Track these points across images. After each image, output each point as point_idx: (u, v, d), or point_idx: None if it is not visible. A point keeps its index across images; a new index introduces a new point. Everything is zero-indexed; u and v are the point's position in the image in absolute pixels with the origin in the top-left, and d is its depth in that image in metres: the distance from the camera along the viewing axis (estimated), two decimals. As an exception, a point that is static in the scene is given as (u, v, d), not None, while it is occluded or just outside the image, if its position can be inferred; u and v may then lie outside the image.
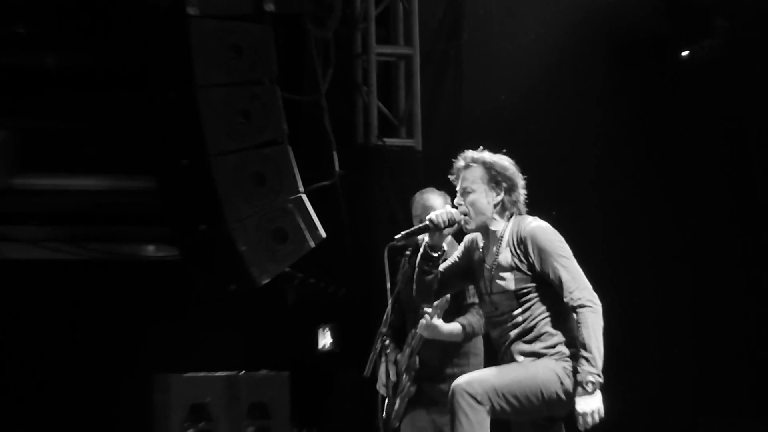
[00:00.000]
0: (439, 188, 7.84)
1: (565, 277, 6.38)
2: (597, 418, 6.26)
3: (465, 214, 6.55)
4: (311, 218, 9.90)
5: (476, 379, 6.55)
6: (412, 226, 7.43)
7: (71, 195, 12.17)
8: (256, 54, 9.99)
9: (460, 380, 6.50)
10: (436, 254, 6.71)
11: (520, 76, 11.49)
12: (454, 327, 7.51)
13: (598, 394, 6.29)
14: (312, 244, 9.93)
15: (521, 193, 6.62)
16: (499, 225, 6.64)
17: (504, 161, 6.60)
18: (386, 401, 8.03)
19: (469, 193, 6.56)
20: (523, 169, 6.70)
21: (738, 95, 12.20)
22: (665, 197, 11.13)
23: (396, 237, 6.91)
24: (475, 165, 6.57)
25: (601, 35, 11.80)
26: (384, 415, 8.05)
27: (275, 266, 9.98)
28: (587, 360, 6.29)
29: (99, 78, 12.14)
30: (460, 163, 6.65)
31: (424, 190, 7.98)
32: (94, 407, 11.79)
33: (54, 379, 12.51)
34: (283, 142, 9.94)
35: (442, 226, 6.55)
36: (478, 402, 6.31)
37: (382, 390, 8.07)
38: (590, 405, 6.26)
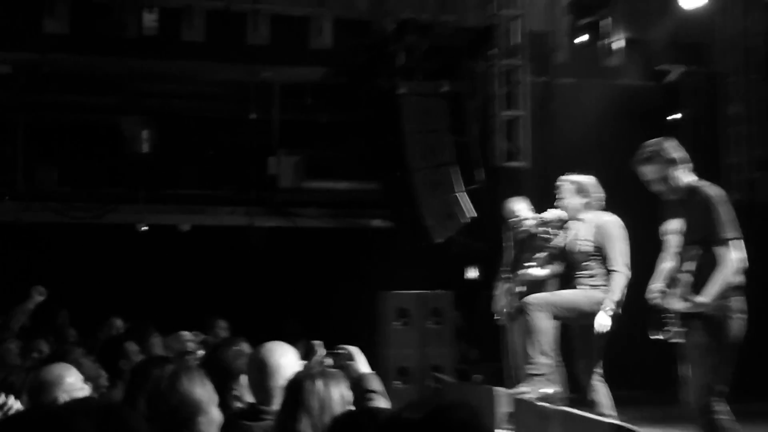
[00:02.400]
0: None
1: (613, 254, 8.12)
2: (605, 330, 7.94)
3: (564, 211, 8.42)
4: (466, 206, 12.12)
5: (539, 296, 8.39)
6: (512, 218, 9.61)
7: (334, 191, 14.95)
8: (436, 114, 12.38)
9: (530, 297, 8.41)
10: (548, 235, 8.70)
11: (584, 128, 13.39)
12: (545, 272, 9.04)
13: (609, 319, 7.94)
14: (466, 220, 12.19)
15: (596, 197, 8.35)
16: (583, 216, 8.38)
17: (588, 179, 8.44)
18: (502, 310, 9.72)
19: (563, 199, 8.45)
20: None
21: (701, 140, 13.42)
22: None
23: (512, 219, 9.46)
24: (565, 183, 8.45)
25: (629, 106, 13.86)
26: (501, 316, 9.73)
27: (446, 232, 12.26)
28: (611, 298, 8.00)
29: (349, 127, 14.68)
30: (560, 182, 8.49)
31: (510, 199, 9.95)
32: (349, 309, 13.61)
33: (331, 293, 14.82)
34: (452, 164, 12.23)
35: (550, 218, 8.61)
36: (540, 308, 8.15)
37: (499, 306, 9.88)
38: (605, 321, 7.95)
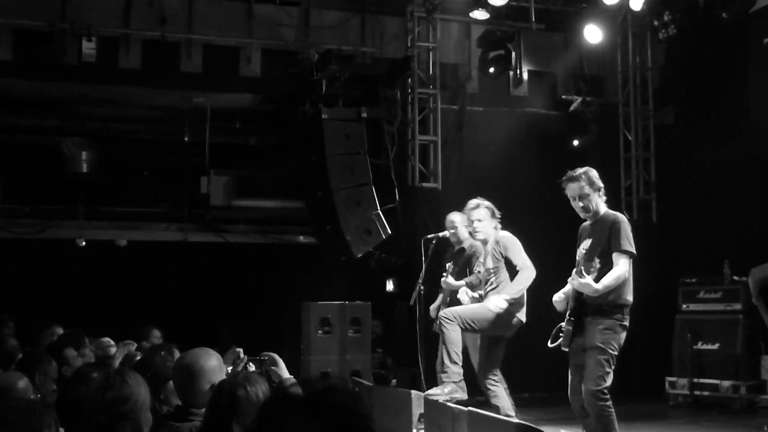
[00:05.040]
0: (446, 210, 9.83)
1: (519, 259, 8.26)
2: (497, 310, 8.07)
3: (477, 232, 8.50)
4: (383, 223, 12.08)
5: (452, 310, 8.35)
6: (439, 231, 9.58)
7: (261, 209, 14.79)
8: (356, 138, 12.22)
9: (444, 311, 8.41)
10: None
11: (493, 152, 13.76)
12: (461, 283, 9.05)
13: (504, 302, 8.07)
14: (383, 237, 12.14)
15: (499, 218, 8.52)
16: (491, 236, 8.51)
17: (490, 205, 8.52)
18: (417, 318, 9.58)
19: (481, 221, 8.49)
20: (496, 202, 8.63)
21: (601, 165, 13.04)
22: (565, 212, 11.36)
23: (428, 236, 9.47)
24: (481, 207, 8.50)
25: (534, 132, 14.17)
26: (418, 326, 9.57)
27: (365, 247, 12.17)
28: (511, 287, 8.18)
29: (276, 150, 14.61)
30: (472, 206, 8.51)
31: (451, 213, 9.74)
32: (275, 318, 13.54)
33: (259, 303, 14.81)
34: (370, 184, 12.15)
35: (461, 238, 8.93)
36: (451, 321, 8.18)
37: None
38: (499, 302, 8.11)
